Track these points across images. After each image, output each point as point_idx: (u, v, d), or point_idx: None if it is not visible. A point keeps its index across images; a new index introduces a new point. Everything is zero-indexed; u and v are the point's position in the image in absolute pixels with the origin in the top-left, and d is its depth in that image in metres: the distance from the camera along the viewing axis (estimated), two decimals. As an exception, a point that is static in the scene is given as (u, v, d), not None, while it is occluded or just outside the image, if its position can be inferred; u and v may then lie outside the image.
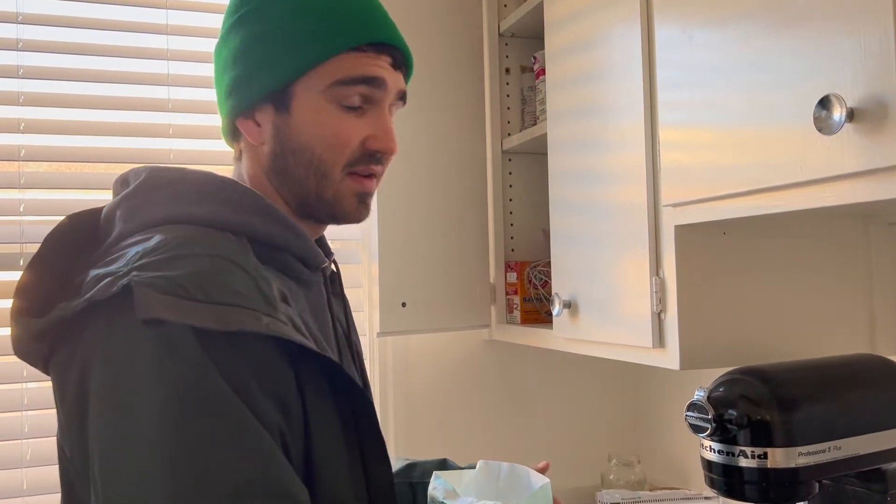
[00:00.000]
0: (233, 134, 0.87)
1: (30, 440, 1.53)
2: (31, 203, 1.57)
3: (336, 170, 0.81)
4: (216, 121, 1.69)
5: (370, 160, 0.83)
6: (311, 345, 0.71)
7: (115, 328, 0.66)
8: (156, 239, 0.70)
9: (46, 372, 0.75)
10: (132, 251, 0.70)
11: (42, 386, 1.55)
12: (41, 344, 0.72)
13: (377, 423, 0.77)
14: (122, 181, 0.82)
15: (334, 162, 0.81)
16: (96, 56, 1.62)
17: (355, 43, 0.79)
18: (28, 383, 1.53)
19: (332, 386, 0.73)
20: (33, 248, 1.55)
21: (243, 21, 0.82)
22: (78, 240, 0.77)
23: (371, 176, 0.84)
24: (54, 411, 1.53)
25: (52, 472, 1.50)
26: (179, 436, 0.62)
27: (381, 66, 0.81)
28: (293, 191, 0.84)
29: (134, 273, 0.66)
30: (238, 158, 0.89)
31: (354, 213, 0.84)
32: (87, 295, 0.67)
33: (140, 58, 1.65)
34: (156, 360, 0.64)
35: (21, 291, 0.74)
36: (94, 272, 0.69)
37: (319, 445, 0.71)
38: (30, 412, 1.53)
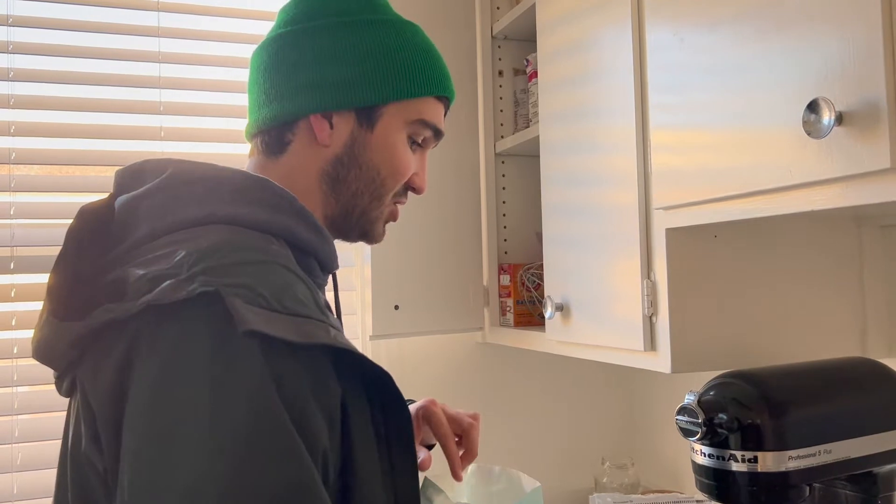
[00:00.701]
0: (283, 126, 0.85)
1: (21, 444, 1.52)
2: (22, 206, 1.56)
3: (388, 195, 0.87)
4: (208, 123, 1.70)
5: (404, 193, 0.90)
6: (369, 359, 0.70)
7: (193, 336, 0.62)
8: (207, 241, 0.68)
9: (63, 377, 0.72)
10: (181, 252, 0.67)
11: (33, 390, 1.54)
12: (73, 349, 0.69)
13: (412, 438, 0.75)
14: (134, 174, 0.78)
15: (390, 188, 0.87)
16: (87, 59, 1.62)
17: (442, 93, 0.88)
18: (19, 387, 1.53)
19: (371, 398, 0.72)
20: (24, 252, 1.56)
21: (351, 27, 0.84)
22: (92, 236, 0.74)
23: (399, 205, 0.91)
24: (44, 415, 1.51)
25: (43, 477, 1.51)
26: (232, 448, 0.58)
27: (442, 118, 0.90)
28: (342, 200, 0.85)
29: (201, 278, 0.63)
30: (270, 153, 0.86)
31: (381, 235, 0.90)
32: (147, 297, 0.63)
33: (131, 60, 1.64)
34: (256, 369, 0.61)
35: (52, 294, 0.71)
36: (138, 272, 0.66)
37: (358, 459, 0.69)
38: (21, 416, 1.52)
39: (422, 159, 0.90)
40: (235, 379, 0.61)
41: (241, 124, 1.71)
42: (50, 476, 1.52)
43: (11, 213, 1.55)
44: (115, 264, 0.70)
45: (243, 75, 1.72)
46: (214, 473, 0.57)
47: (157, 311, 0.63)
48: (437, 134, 0.89)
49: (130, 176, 0.78)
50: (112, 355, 0.65)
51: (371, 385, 0.71)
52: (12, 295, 1.54)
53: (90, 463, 0.67)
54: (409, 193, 0.91)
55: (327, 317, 0.69)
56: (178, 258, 0.66)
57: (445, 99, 0.90)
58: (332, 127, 0.84)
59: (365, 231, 0.88)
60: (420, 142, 0.88)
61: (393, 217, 0.90)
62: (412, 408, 0.98)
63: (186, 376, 0.61)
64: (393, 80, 0.84)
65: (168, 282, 0.64)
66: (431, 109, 0.87)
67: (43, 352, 0.72)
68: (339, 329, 0.72)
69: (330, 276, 0.90)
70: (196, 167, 0.77)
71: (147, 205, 0.74)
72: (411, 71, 0.85)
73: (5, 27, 1.56)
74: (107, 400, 0.64)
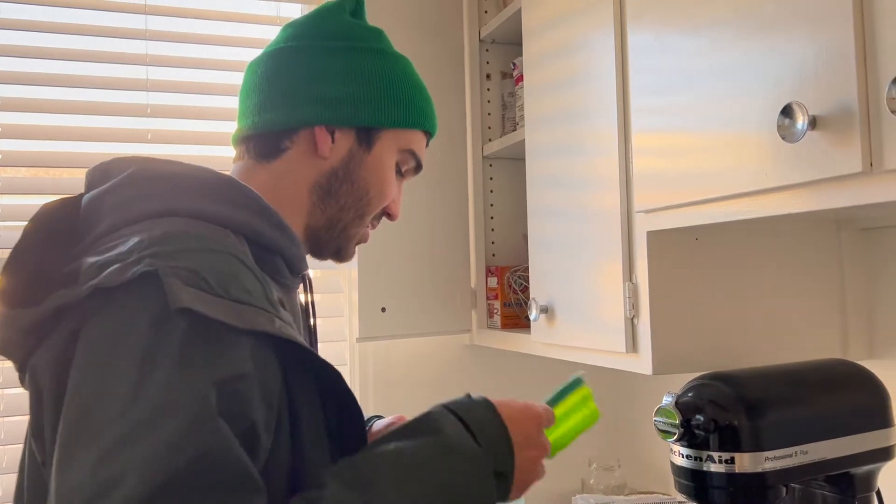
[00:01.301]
0: (282, 133, 0.87)
1: (5, 447, 1.52)
2: (9, 209, 1.56)
3: (369, 216, 0.92)
4: (195, 126, 1.70)
5: (379, 217, 0.95)
6: (316, 353, 0.72)
7: (133, 314, 0.64)
8: (161, 230, 0.69)
9: (23, 369, 0.73)
10: (134, 240, 0.68)
11: (19, 392, 1.54)
12: (29, 337, 0.70)
13: (364, 432, 0.77)
14: (103, 172, 0.80)
15: (374, 208, 0.92)
16: (75, 62, 1.62)
17: (431, 129, 0.95)
18: (4, 389, 1.53)
19: (323, 395, 0.74)
20: (10, 254, 1.55)
21: (361, 53, 0.89)
22: (55, 231, 0.76)
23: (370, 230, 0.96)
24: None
25: (29, 479, 1.51)
26: (148, 417, 0.60)
27: (425, 153, 0.96)
28: (328, 212, 0.89)
29: (147, 260, 0.65)
30: (261, 157, 0.88)
31: (352, 255, 0.95)
32: (94, 281, 0.65)
33: (119, 63, 1.64)
34: (183, 345, 0.63)
35: (6, 286, 0.72)
36: (90, 260, 0.68)
37: (308, 455, 0.71)
38: (6, 418, 1.52)
39: (400, 189, 0.95)
40: (162, 353, 0.62)
41: (230, 127, 1.71)
42: (36, 478, 1.52)
43: (-2, 215, 1.55)
44: (77, 257, 0.72)
45: (232, 78, 1.73)
46: (132, 442, 0.58)
47: (104, 294, 0.65)
48: (418, 167, 0.95)
49: (98, 175, 0.80)
50: (59, 338, 0.67)
51: (322, 382, 0.73)
52: None
53: (32, 454, 0.69)
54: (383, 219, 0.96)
55: (277, 311, 0.70)
56: (130, 244, 0.68)
57: (429, 135, 0.96)
58: (333, 141, 0.87)
59: (340, 247, 0.92)
60: (403, 171, 0.94)
61: (364, 239, 0.94)
62: (383, 422, 0.99)
63: (118, 352, 0.63)
64: (395, 108, 0.89)
65: (115, 265, 0.66)
66: (419, 142, 0.93)
67: (2, 344, 0.73)
68: (290, 325, 0.72)
69: (305, 280, 0.91)
70: (160, 164, 0.79)
71: (110, 201, 0.75)
72: (411, 103, 0.91)
73: (-8, 29, 1.57)
74: (50, 381, 0.66)
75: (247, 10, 1.76)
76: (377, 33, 0.92)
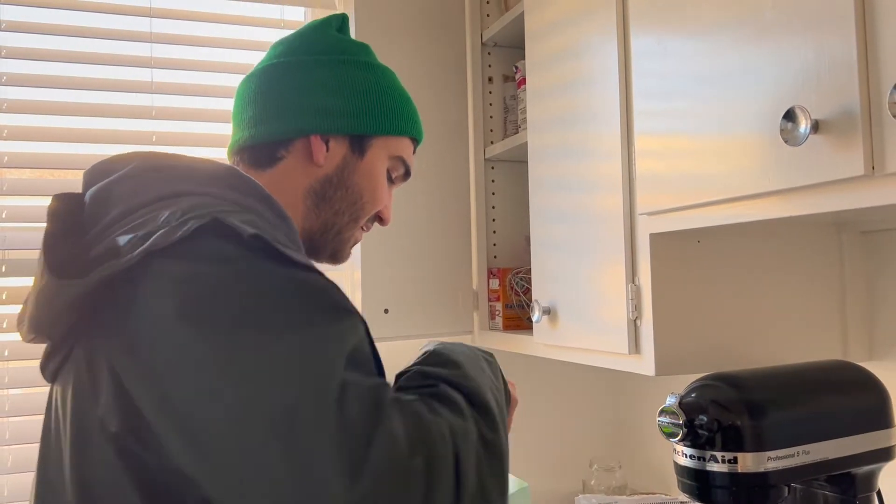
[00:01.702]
0: (277, 143, 0.90)
1: (11, 447, 1.52)
2: (13, 210, 1.57)
3: (363, 219, 0.97)
4: (199, 128, 1.71)
5: (372, 221, 0.99)
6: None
7: (201, 261, 0.65)
8: (188, 203, 0.70)
9: (55, 352, 0.72)
10: (164, 213, 0.69)
11: (24, 393, 1.55)
12: (72, 312, 0.69)
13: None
14: (101, 170, 0.80)
15: (367, 213, 0.96)
16: (79, 63, 1.63)
17: (418, 136, 0.99)
18: (11, 389, 1.53)
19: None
20: (15, 255, 1.57)
21: (349, 66, 0.93)
22: (67, 224, 0.76)
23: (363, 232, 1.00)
24: (35, 417, 1.51)
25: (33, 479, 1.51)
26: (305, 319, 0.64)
27: (413, 159, 1.00)
28: (323, 217, 0.93)
29: (192, 222, 0.66)
30: (257, 166, 0.92)
31: (347, 257, 0.99)
32: (144, 247, 0.65)
33: (123, 65, 1.65)
34: (275, 271, 0.66)
35: (49, 255, 0.72)
36: (125, 237, 0.68)
37: None
38: (12, 419, 1.53)
39: (391, 195, 1.00)
40: (260, 285, 0.65)
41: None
42: (40, 478, 1.53)
43: (3, 216, 1.56)
44: (96, 241, 0.72)
45: (235, 81, 1.74)
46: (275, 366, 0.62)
47: (160, 255, 0.65)
48: (407, 174, 1.00)
49: (97, 173, 0.81)
50: (119, 306, 0.66)
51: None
52: (3, 298, 1.55)
53: (101, 428, 0.66)
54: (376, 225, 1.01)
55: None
56: (163, 217, 0.69)
57: (416, 142, 1.01)
58: (328, 149, 0.92)
59: (336, 250, 0.96)
60: (394, 178, 0.99)
61: (357, 241, 0.98)
62: None
63: (208, 300, 0.64)
64: (385, 117, 0.93)
65: (161, 231, 0.67)
66: (408, 149, 0.98)
67: (37, 320, 0.71)
68: None
69: None
70: (164, 156, 0.81)
71: (119, 190, 0.76)
72: (399, 111, 0.96)
73: (-2, 32, 1.58)
74: (122, 351, 0.65)
75: (251, 13, 1.77)
76: (363, 47, 0.97)
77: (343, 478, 0.59)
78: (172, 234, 0.66)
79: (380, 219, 1.00)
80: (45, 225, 0.76)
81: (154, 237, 0.66)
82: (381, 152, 0.94)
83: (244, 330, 0.63)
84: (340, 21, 0.98)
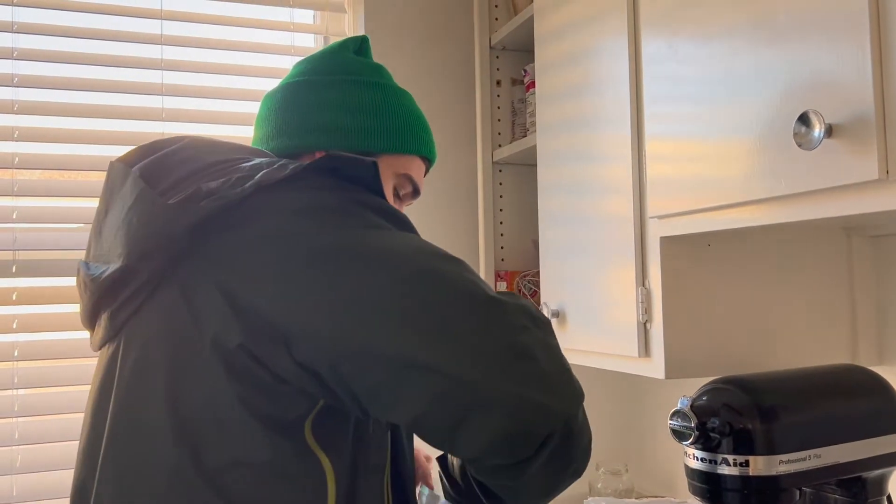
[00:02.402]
0: (289, 158, 0.93)
1: (20, 447, 1.53)
2: (25, 210, 1.58)
3: None
4: (209, 130, 1.72)
5: None
6: None
7: (319, 191, 0.73)
8: (261, 158, 0.78)
9: (135, 296, 0.73)
10: (245, 164, 0.76)
11: (33, 393, 1.55)
12: (185, 237, 0.71)
13: None
14: (151, 148, 0.83)
15: None
16: (91, 66, 1.63)
17: (427, 155, 1.00)
18: (19, 390, 1.54)
19: None
20: (26, 255, 1.58)
21: (361, 86, 0.96)
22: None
23: None
24: (44, 417, 1.51)
25: (43, 479, 1.52)
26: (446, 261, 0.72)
27: (423, 178, 1.01)
28: None
29: (292, 166, 0.74)
30: None
31: None
32: (254, 181, 0.72)
33: (134, 67, 1.66)
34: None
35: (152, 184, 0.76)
36: (214, 182, 0.73)
37: None
38: (21, 419, 1.54)
39: (400, 210, 1.01)
40: (371, 202, 0.74)
41: (245, 132, 1.73)
42: (50, 478, 1.54)
43: (14, 216, 1.57)
44: (171, 194, 0.74)
45: (245, 83, 1.74)
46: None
47: (272, 188, 0.72)
48: (416, 192, 1.01)
49: (146, 148, 0.84)
50: (234, 234, 0.71)
51: None
52: (13, 298, 1.56)
53: (213, 347, 0.69)
54: None
55: None
56: (250, 163, 0.75)
57: (428, 161, 1.02)
58: None
59: None
60: (401, 195, 1.00)
61: None
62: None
63: (333, 214, 0.72)
64: (391, 135, 0.95)
65: (263, 170, 0.73)
66: (416, 168, 0.99)
67: (143, 247, 0.72)
68: None
69: None
70: (208, 138, 0.86)
71: (179, 156, 0.80)
72: (406, 130, 0.97)
73: (10, 34, 1.58)
74: (243, 272, 0.69)
75: (261, 16, 1.78)
76: (377, 69, 1.00)
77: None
78: (280, 171, 0.73)
79: None
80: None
81: (260, 174, 0.72)
82: (386, 170, 0.96)
83: (376, 230, 0.71)
84: (359, 43, 1.02)
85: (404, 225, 0.76)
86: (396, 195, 0.99)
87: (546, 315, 0.75)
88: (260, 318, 0.68)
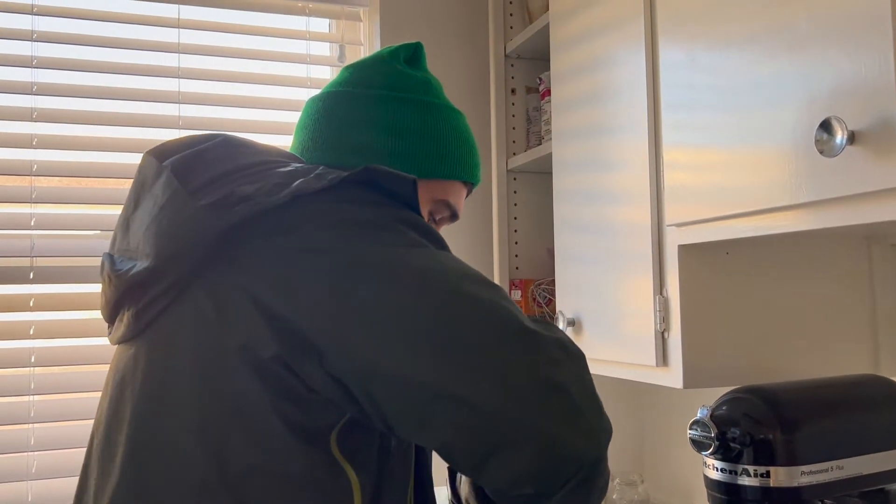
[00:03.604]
0: None
1: (36, 453, 1.53)
2: (43, 217, 1.59)
3: None
4: (225, 138, 1.72)
5: None
6: None
7: (354, 204, 0.72)
8: (294, 166, 0.77)
9: (172, 288, 0.71)
10: (281, 168, 0.76)
11: (49, 399, 1.56)
12: (218, 242, 0.70)
13: None
14: (185, 143, 0.82)
15: None
16: (108, 74, 1.65)
17: (470, 179, 0.96)
18: (35, 396, 1.55)
19: None
20: (44, 262, 1.59)
21: (404, 104, 0.92)
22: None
23: None
24: (60, 424, 1.52)
25: (58, 485, 1.52)
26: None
27: (463, 201, 0.98)
28: None
29: (331, 176, 0.73)
30: None
31: None
32: (289, 190, 0.71)
33: (151, 75, 1.67)
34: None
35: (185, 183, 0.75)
36: (250, 187, 0.72)
37: None
38: (37, 425, 1.54)
39: None
40: (409, 219, 0.73)
41: (259, 140, 1.74)
42: (64, 485, 1.54)
43: (32, 223, 1.58)
44: (203, 195, 0.73)
45: (261, 91, 1.75)
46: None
47: (307, 198, 0.71)
48: (454, 216, 0.97)
49: (180, 143, 0.82)
50: (267, 242, 0.70)
51: None
52: (31, 305, 1.57)
53: (243, 355, 0.67)
54: None
55: None
56: (284, 170, 0.75)
57: (470, 184, 0.98)
58: None
59: None
60: (437, 220, 0.96)
61: None
62: None
63: (365, 229, 0.71)
64: (428, 160, 0.91)
65: (299, 179, 0.72)
66: (456, 192, 0.95)
67: (174, 248, 0.71)
68: None
69: None
70: (242, 138, 0.85)
71: (208, 157, 0.78)
72: (448, 155, 0.93)
73: (29, 42, 1.60)
74: (279, 281, 0.68)
75: (278, 24, 1.79)
76: (426, 84, 0.94)
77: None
78: (318, 181, 0.72)
79: None
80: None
81: (297, 184, 0.72)
82: (423, 195, 0.92)
83: (413, 248, 0.70)
84: (412, 52, 0.97)
85: (440, 244, 0.75)
86: (432, 218, 0.96)
87: (577, 347, 0.74)
88: (292, 328, 0.67)
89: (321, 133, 0.91)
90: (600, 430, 0.69)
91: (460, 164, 0.94)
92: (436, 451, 0.70)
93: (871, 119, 0.77)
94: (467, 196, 0.99)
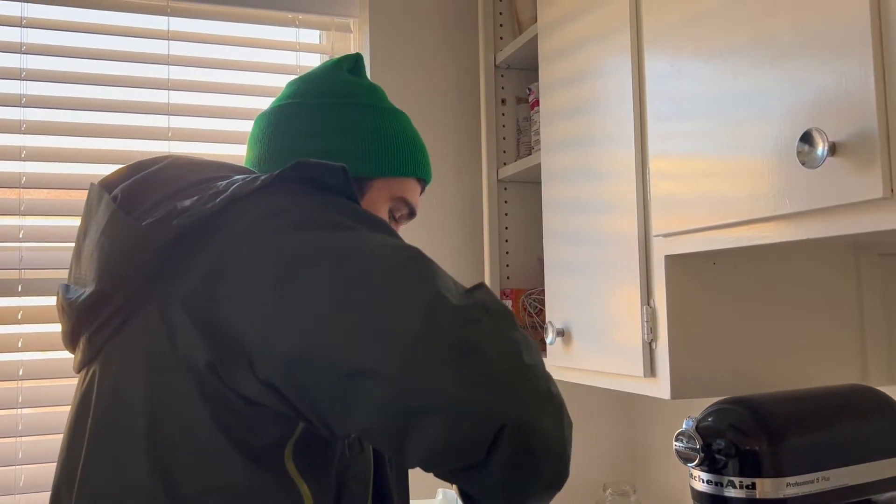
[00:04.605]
0: None
1: (24, 466, 1.52)
2: (31, 230, 1.58)
3: None
4: (216, 150, 1.72)
5: None
6: None
7: (288, 196, 0.72)
8: (243, 176, 0.77)
9: (123, 308, 0.72)
10: (221, 182, 0.75)
11: (37, 412, 1.55)
12: (158, 259, 0.70)
13: None
14: (134, 168, 0.83)
15: None
16: (97, 86, 1.65)
17: (423, 176, 1.00)
18: (23, 409, 1.54)
19: None
20: (32, 274, 1.58)
21: (354, 109, 0.96)
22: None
23: None
24: (48, 437, 1.51)
25: (45, 499, 1.51)
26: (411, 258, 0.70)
27: (419, 198, 1.01)
28: None
29: (263, 178, 0.73)
30: None
31: None
32: (225, 195, 0.71)
33: (141, 87, 1.67)
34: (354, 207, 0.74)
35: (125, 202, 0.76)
36: (188, 201, 0.72)
37: None
38: (24, 438, 1.53)
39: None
40: (343, 207, 0.73)
41: (248, 150, 1.74)
42: (52, 498, 1.52)
43: (20, 236, 1.57)
44: (148, 214, 0.74)
45: (251, 103, 1.75)
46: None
47: (242, 200, 0.72)
48: (412, 213, 1.01)
49: (129, 169, 0.83)
50: (204, 249, 0.70)
51: None
52: (19, 317, 1.56)
53: (187, 368, 0.68)
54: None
55: None
56: (222, 185, 0.74)
57: (423, 182, 1.01)
58: None
59: None
60: (397, 217, 0.99)
61: None
62: None
63: (299, 219, 0.70)
64: (384, 159, 0.94)
65: (236, 184, 0.73)
66: (411, 189, 0.99)
67: (114, 272, 0.71)
68: None
69: None
70: (190, 157, 0.86)
71: (160, 177, 0.79)
72: (401, 153, 0.97)
73: (18, 55, 1.60)
74: (209, 286, 0.68)
75: (267, 36, 1.79)
76: (372, 90, 0.99)
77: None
78: (252, 183, 0.72)
79: None
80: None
81: (233, 188, 0.72)
82: (382, 193, 0.95)
83: (336, 232, 0.70)
84: (353, 62, 1.00)
85: (376, 226, 0.73)
86: (392, 217, 0.98)
87: (501, 306, 0.70)
88: (224, 331, 0.67)
89: (277, 144, 0.93)
90: (524, 391, 0.65)
91: (413, 162, 0.98)
92: (369, 441, 0.68)
93: (852, 131, 0.77)
94: (420, 194, 1.02)
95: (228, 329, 0.67)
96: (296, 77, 1.00)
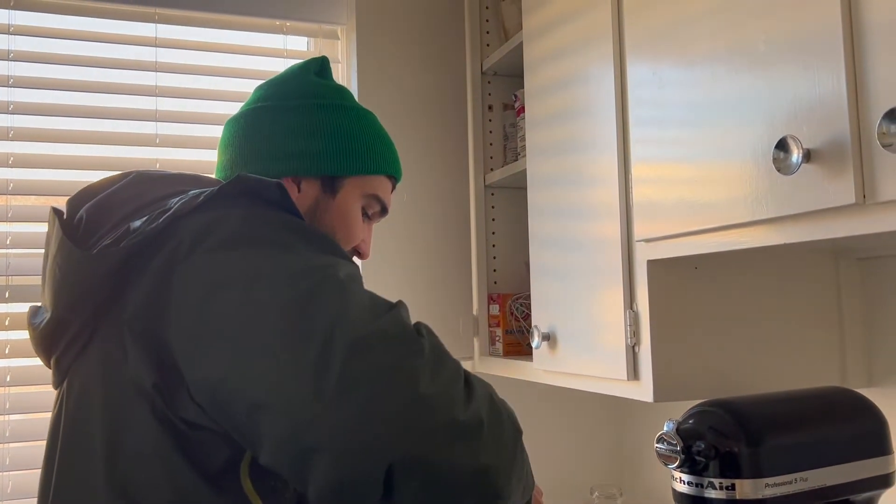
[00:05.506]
0: None
1: (11, 473, 1.52)
2: (19, 236, 1.59)
3: None
4: (204, 156, 1.73)
5: (351, 256, 1.01)
6: None
7: (227, 209, 0.73)
8: (193, 192, 0.77)
9: (80, 335, 0.73)
10: (174, 199, 0.76)
11: (25, 419, 1.55)
12: (108, 281, 0.71)
13: None
14: (91, 191, 0.84)
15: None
16: (86, 92, 1.65)
17: (393, 173, 1.02)
18: (11, 415, 1.54)
19: None
20: (20, 280, 1.58)
21: (323, 109, 0.96)
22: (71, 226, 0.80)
23: None
24: (36, 444, 1.51)
25: (33, 506, 1.51)
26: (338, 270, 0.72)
27: (390, 195, 1.03)
28: None
29: (205, 194, 0.74)
30: None
31: None
32: (168, 214, 0.72)
33: (129, 94, 1.68)
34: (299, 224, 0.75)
35: (70, 232, 0.76)
36: (138, 221, 0.73)
37: None
38: (12, 445, 1.53)
39: (368, 230, 1.03)
40: (282, 220, 0.74)
41: (236, 156, 1.74)
42: (40, 505, 1.52)
43: (8, 242, 1.57)
44: (108, 235, 0.75)
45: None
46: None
47: (184, 217, 0.72)
48: (384, 210, 1.02)
49: (87, 193, 0.84)
50: (148, 267, 0.70)
51: None
52: (6, 324, 1.56)
53: (136, 389, 0.68)
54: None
55: None
56: (174, 202, 0.75)
57: (394, 179, 1.03)
58: (300, 190, 0.95)
59: None
60: (370, 214, 1.01)
61: None
62: None
63: (236, 231, 0.71)
64: (354, 157, 0.96)
65: (181, 202, 0.73)
66: (383, 186, 1.01)
67: (70, 299, 0.72)
68: None
69: None
70: (153, 171, 0.87)
71: (120, 196, 0.80)
72: (371, 152, 0.98)
73: (6, 62, 1.60)
74: (150, 305, 0.69)
75: (255, 43, 1.80)
76: (339, 91, 1.00)
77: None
78: (194, 200, 0.73)
79: (358, 253, 1.02)
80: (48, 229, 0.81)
81: (175, 206, 0.72)
82: (354, 191, 0.97)
83: (263, 251, 0.70)
84: (320, 65, 1.01)
85: (315, 241, 0.73)
86: (365, 214, 1.00)
87: (410, 331, 0.67)
88: (164, 353, 0.68)
89: (248, 147, 0.94)
90: (416, 423, 0.61)
91: (384, 160, 1.00)
92: (276, 470, 0.66)
93: (826, 138, 0.79)
94: (392, 191, 1.03)
95: (168, 351, 0.68)
96: (263, 81, 1.01)
